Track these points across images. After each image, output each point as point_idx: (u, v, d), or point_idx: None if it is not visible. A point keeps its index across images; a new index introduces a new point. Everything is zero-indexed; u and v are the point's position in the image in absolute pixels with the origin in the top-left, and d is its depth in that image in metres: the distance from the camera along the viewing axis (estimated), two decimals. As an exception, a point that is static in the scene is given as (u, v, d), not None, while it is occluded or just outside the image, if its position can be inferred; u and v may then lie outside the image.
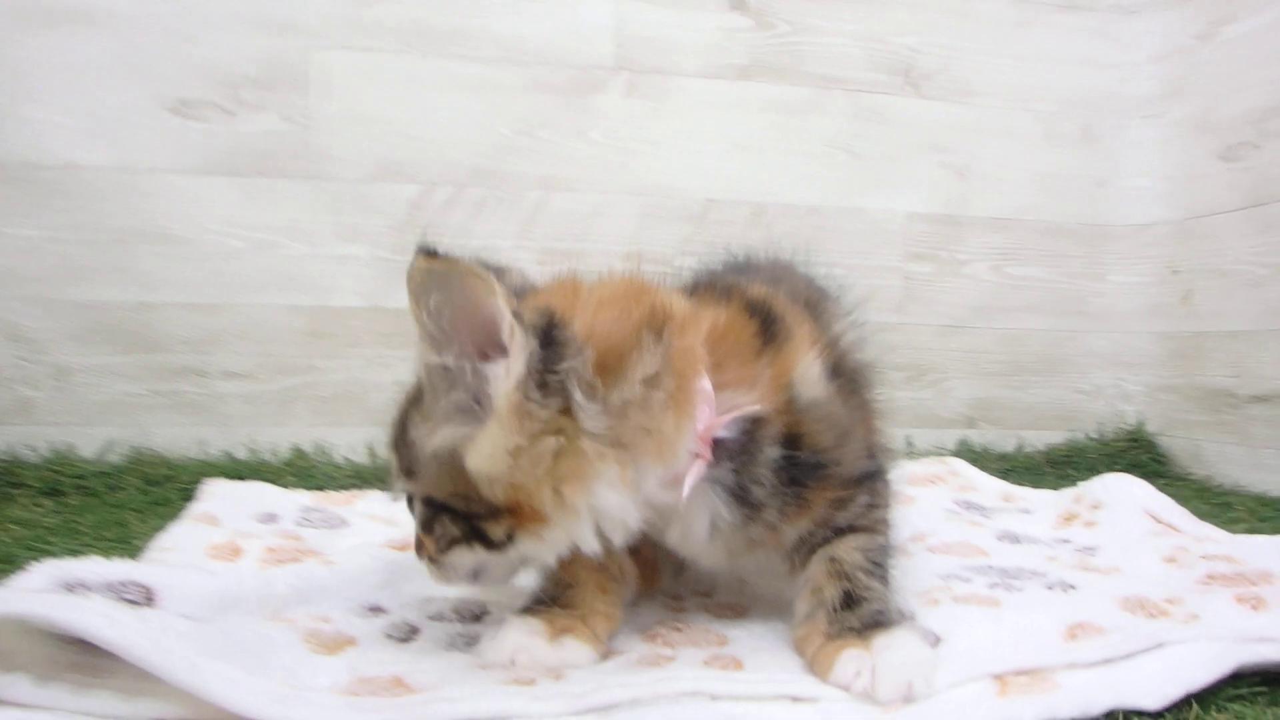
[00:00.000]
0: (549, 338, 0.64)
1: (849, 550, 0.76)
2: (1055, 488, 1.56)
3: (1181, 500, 1.32)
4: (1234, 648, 0.71)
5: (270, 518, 1.14)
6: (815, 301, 0.90)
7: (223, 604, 0.75)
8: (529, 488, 0.65)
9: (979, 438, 1.84)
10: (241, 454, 1.55)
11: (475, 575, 0.72)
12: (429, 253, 0.62)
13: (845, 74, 1.80)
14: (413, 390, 0.73)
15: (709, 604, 0.88)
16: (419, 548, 0.73)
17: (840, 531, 0.77)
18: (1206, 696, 0.68)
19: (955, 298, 1.86)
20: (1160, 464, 1.80)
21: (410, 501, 0.73)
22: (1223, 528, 1.21)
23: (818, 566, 0.75)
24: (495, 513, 0.66)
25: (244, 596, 0.78)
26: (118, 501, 1.31)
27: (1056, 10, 1.89)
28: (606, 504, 0.67)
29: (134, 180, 1.53)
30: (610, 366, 0.67)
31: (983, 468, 1.59)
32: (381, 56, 1.61)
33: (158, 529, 1.13)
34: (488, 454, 0.64)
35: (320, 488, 1.40)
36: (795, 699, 0.65)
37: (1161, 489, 1.36)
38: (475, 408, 0.65)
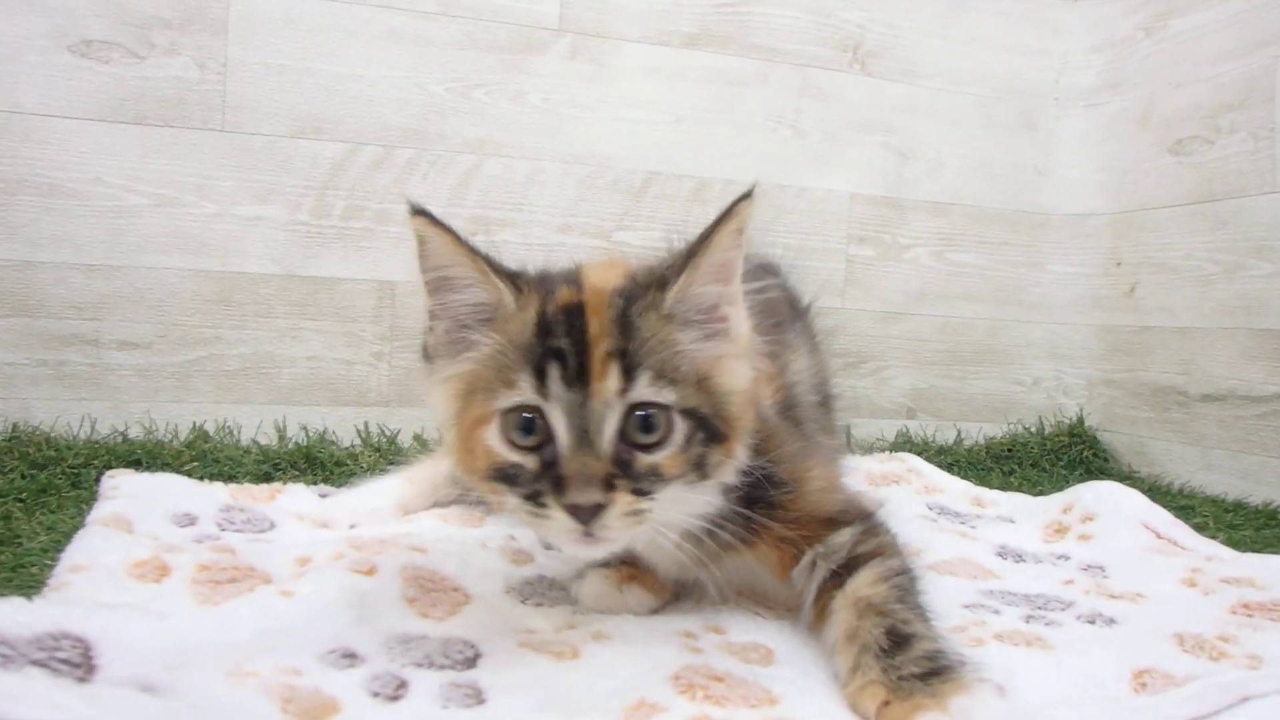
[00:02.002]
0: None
1: (870, 583, 0.71)
2: (1001, 484, 1.53)
3: (1156, 505, 1.28)
4: None
5: (187, 519, 1.02)
6: (785, 323, 1.02)
7: (176, 658, 0.63)
8: (746, 408, 0.74)
9: (918, 429, 1.81)
10: (136, 433, 1.41)
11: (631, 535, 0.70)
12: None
13: (792, 47, 1.75)
14: (641, 291, 0.72)
15: (730, 644, 0.77)
16: (592, 504, 0.65)
17: (848, 567, 0.74)
18: None
19: (896, 283, 1.83)
20: (1104, 460, 1.79)
21: (639, 415, 0.68)
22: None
23: (843, 611, 0.71)
24: (718, 436, 0.71)
25: (200, 645, 0.66)
26: (-2, 488, 1.16)
27: (1001, -5, 1.87)
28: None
29: (24, 125, 1.38)
30: None
31: (924, 459, 1.55)
32: (308, 3, 1.50)
33: (47, 525, 1.01)
34: (739, 371, 0.73)
35: (228, 475, 1.28)
36: None
37: None
38: (720, 327, 0.73)
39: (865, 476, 1.41)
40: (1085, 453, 1.77)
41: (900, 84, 1.81)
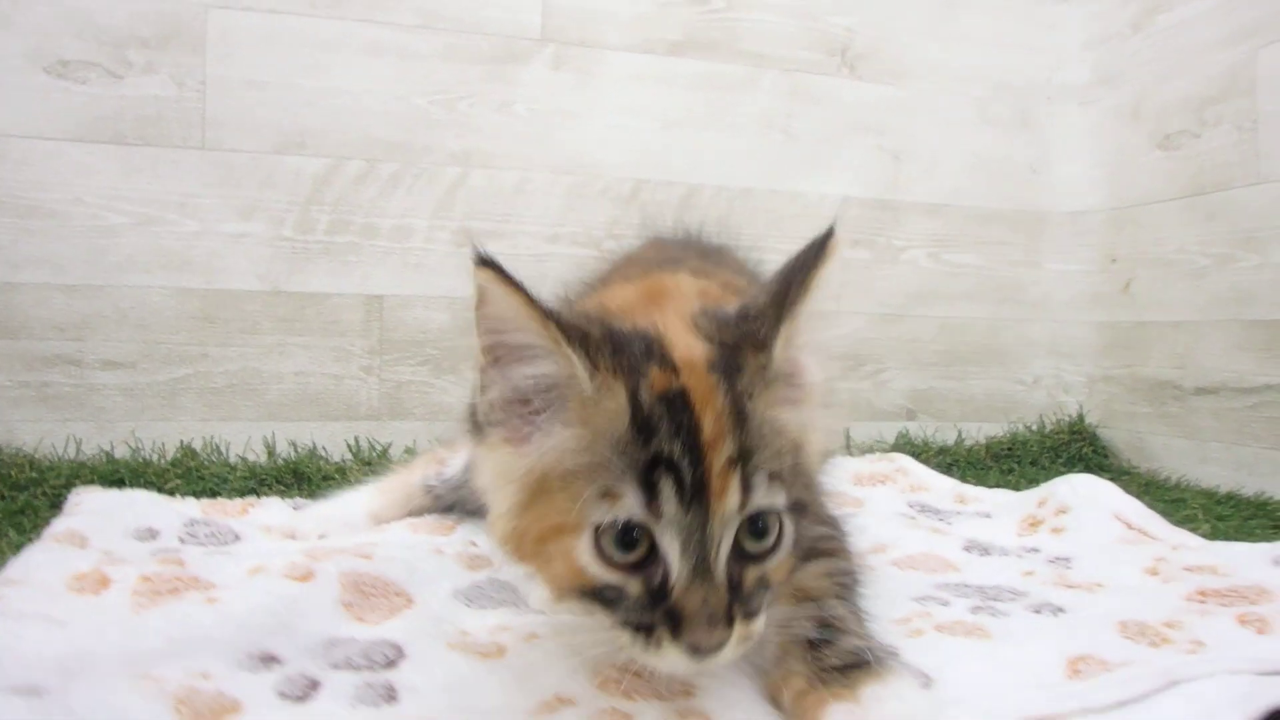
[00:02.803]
0: None
1: (814, 576, 0.69)
2: (999, 482, 1.52)
3: (1130, 495, 1.27)
4: (1260, 685, 0.63)
5: (149, 533, 0.99)
6: None
7: (74, 664, 0.61)
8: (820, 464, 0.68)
9: (918, 430, 1.79)
10: (121, 453, 1.39)
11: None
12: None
13: (780, 52, 1.74)
14: (739, 359, 0.61)
15: None
16: (715, 618, 0.56)
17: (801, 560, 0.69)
18: None
19: (893, 285, 1.81)
20: (1103, 457, 1.77)
21: (752, 524, 0.59)
22: (1181, 527, 1.17)
23: (781, 599, 0.67)
24: (807, 513, 0.64)
25: (101, 653, 0.63)
26: (-25, 510, 1.14)
27: (990, -7, 1.87)
28: None
29: (2, 146, 1.37)
30: None
31: (924, 461, 1.54)
32: (286, 18, 1.49)
33: (17, 545, 0.96)
34: (819, 429, 0.65)
35: (212, 491, 1.26)
36: None
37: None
38: (800, 381, 0.64)
39: (853, 477, 1.40)
40: (1085, 449, 1.75)
41: (892, 85, 1.80)
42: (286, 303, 1.49)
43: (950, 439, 1.78)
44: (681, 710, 0.62)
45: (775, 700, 0.63)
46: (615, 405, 0.58)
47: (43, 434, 1.38)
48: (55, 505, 1.19)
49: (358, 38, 1.52)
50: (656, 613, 0.57)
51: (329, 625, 0.74)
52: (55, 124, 1.39)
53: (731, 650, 0.57)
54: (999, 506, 1.29)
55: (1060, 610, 0.84)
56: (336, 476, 1.36)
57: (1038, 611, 0.84)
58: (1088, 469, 1.68)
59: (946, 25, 1.84)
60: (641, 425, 0.57)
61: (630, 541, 0.57)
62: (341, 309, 1.52)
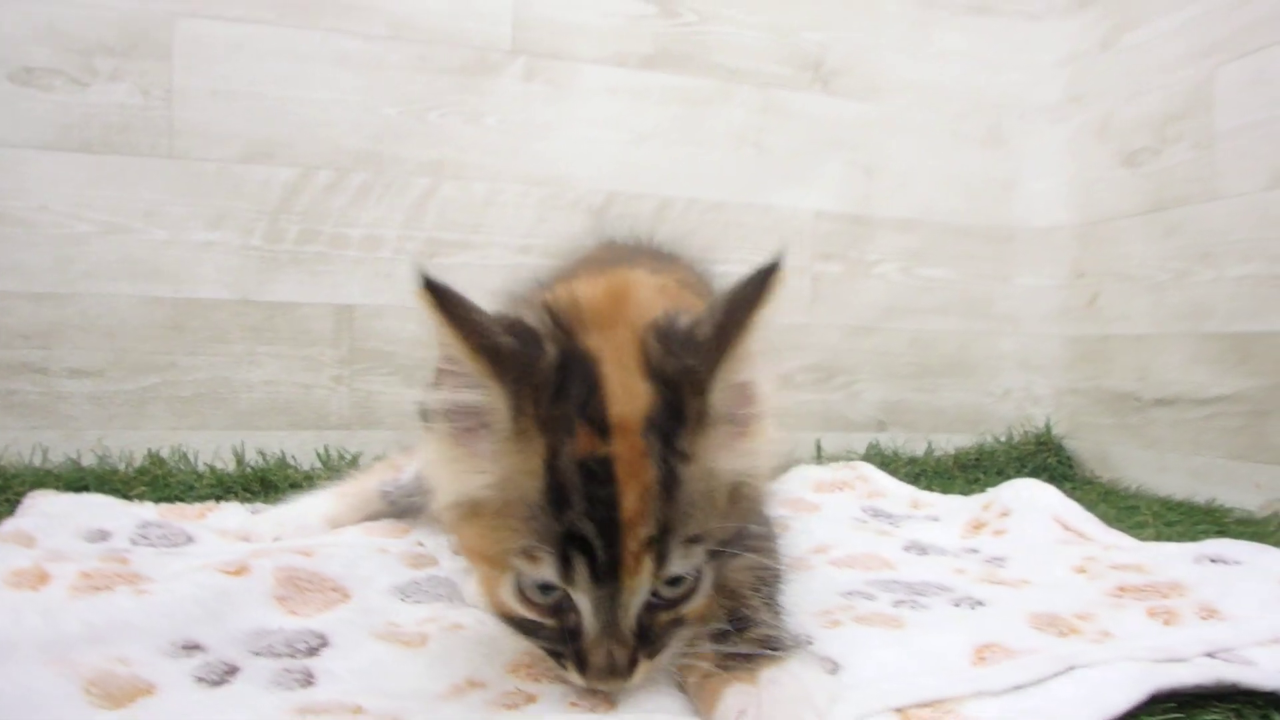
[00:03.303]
0: None
1: (734, 571, 0.69)
2: (964, 491, 1.53)
3: (1089, 504, 1.31)
4: (1150, 670, 0.66)
5: (100, 535, 0.99)
6: None
7: None
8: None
9: (889, 441, 1.80)
10: (89, 461, 1.39)
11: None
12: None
13: (752, 66, 1.75)
14: (676, 407, 0.59)
15: None
16: (617, 670, 0.59)
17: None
18: None
19: (864, 298, 1.82)
20: (1068, 467, 1.79)
21: (667, 581, 0.60)
22: (1130, 532, 1.20)
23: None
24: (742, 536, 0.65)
25: (18, 640, 0.64)
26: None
27: (963, 12, 1.88)
28: None
29: (-34, 154, 1.37)
30: None
31: (893, 471, 1.56)
32: (255, 27, 1.49)
33: None
34: (769, 444, 0.64)
35: (177, 498, 1.26)
36: None
37: (1069, 492, 1.35)
38: (748, 400, 0.63)
39: (815, 484, 1.42)
40: (1050, 460, 1.77)
41: (865, 101, 1.81)
42: (256, 312, 1.49)
43: (920, 450, 1.79)
44: (584, 692, 0.64)
45: (682, 685, 0.64)
46: (532, 464, 0.57)
47: (8, 441, 1.38)
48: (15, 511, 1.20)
49: (327, 47, 1.52)
50: (566, 648, 0.60)
51: (258, 617, 0.76)
52: (20, 132, 1.39)
53: (636, 683, 0.60)
54: (948, 511, 1.32)
55: (980, 604, 0.86)
56: (305, 485, 1.36)
57: (957, 605, 0.86)
58: (1052, 479, 1.70)
59: (920, 43, 1.85)
60: (556, 495, 0.56)
61: (549, 589, 0.59)
62: (311, 318, 1.52)
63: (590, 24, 1.65)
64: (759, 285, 0.59)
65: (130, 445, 1.43)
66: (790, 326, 1.74)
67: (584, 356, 0.60)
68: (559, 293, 0.67)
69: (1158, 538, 1.20)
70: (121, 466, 1.38)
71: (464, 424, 0.61)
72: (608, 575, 0.57)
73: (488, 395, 0.58)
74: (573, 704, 0.62)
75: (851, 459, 1.69)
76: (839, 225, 1.81)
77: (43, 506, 1.05)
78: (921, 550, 1.10)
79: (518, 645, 0.69)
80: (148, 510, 1.11)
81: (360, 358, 1.55)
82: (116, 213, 1.43)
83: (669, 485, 0.57)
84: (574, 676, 0.61)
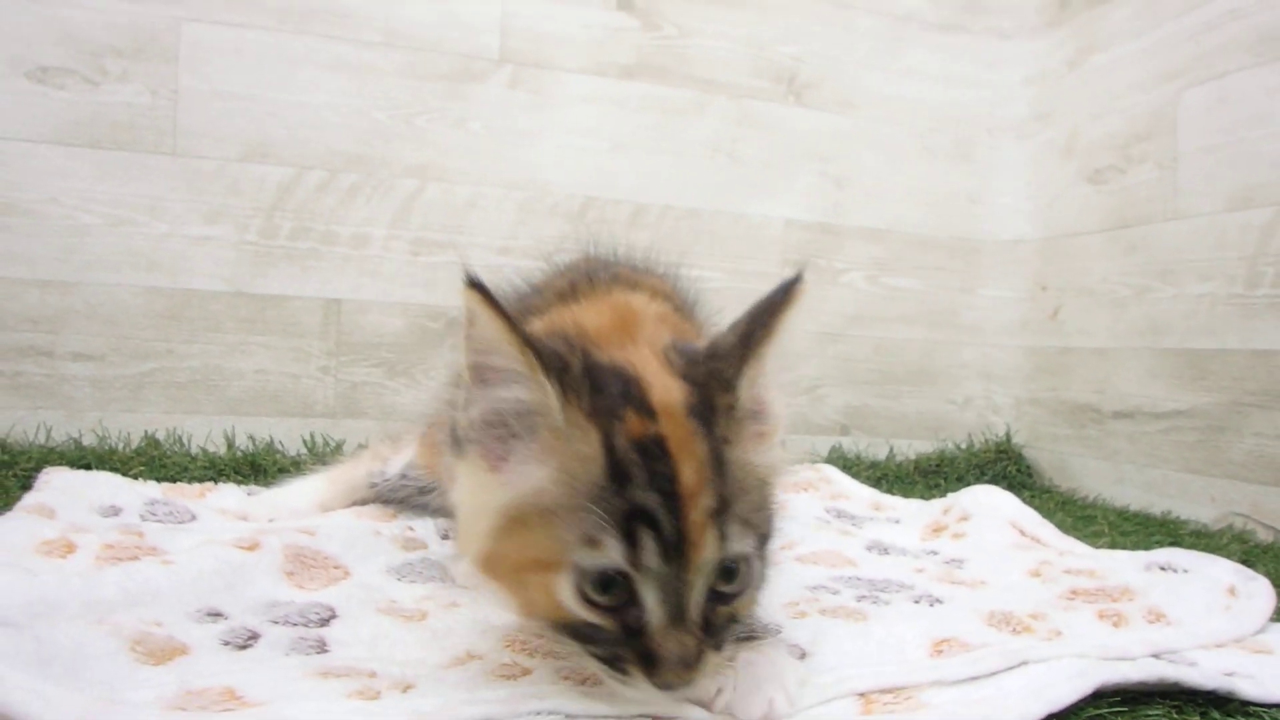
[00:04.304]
0: None
1: None
2: (925, 496, 1.60)
3: (1047, 512, 1.36)
4: (1096, 666, 0.71)
5: (113, 510, 1.08)
6: None
7: (41, 608, 0.69)
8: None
9: (851, 445, 1.87)
10: (89, 440, 1.48)
11: None
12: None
13: (729, 79, 1.82)
14: (711, 402, 0.62)
15: None
16: (689, 661, 0.58)
17: None
18: (1068, 715, 0.68)
19: (831, 306, 1.89)
20: (1027, 475, 1.85)
21: (726, 568, 0.60)
22: (1086, 540, 1.24)
23: None
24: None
25: (65, 600, 0.72)
26: (-51, 490, 1.23)
27: (935, 30, 1.94)
28: None
29: (-18, 148, 1.46)
30: None
31: (855, 475, 1.62)
32: (255, 33, 1.57)
33: None
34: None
35: (173, 478, 1.34)
36: (655, 718, 0.62)
37: (1028, 500, 1.41)
38: (763, 415, 0.65)
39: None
40: (1010, 468, 1.83)
41: (837, 114, 1.88)
42: (248, 304, 1.58)
43: (882, 454, 1.86)
44: (575, 667, 0.70)
45: None
46: (589, 449, 0.58)
47: (14, 420, 1.47)
48: (25, 486, 1.27)
49: (322, 53, 1.60)
50: (629, 650, 0.58)
51: (271, 589, 0.84)
52: (33, 127, 1.48)
53: (704, 676, 0.60)
54: (909, 514, 1.38)
55: (938, 601, 0.91)
56: (292, 470, 1.44)
57: (917, 601, 0.91)
58: (1011, 487, 1.75)
59: (893, 58, 1.92)
60: (617, 473, 0.57)
61: (608, 584, 0.58)
62: (301, 311, 1.61)
63: (574, 35, 1.73)
64: (785, 293, 0.64)
65: (128, 427, 1.52)
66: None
67: (611, 363, 0.62)
68: (563, 320, 0.69)
69: (1113, 546, 1.25)
70: (120, 447, 1.47)
71: (496, 434, 0.61)
72: (674, 552, 0.57)
73: (535, 390, 0.58)
74: (564, 676, 0.68)
75: (815, 462, 1.75)
76: (809, 234, 1.88)
77: (58, 482, 1.14)
78: (883, 550, 1.16)
79: (511, 624, 0.75)
80: (152, 489, 1.20)
81: (346, 350, 1.63)
82: (120, 206, 1.52)
83: (719, 463, 0.59)
84: (637, 681, 0.58)
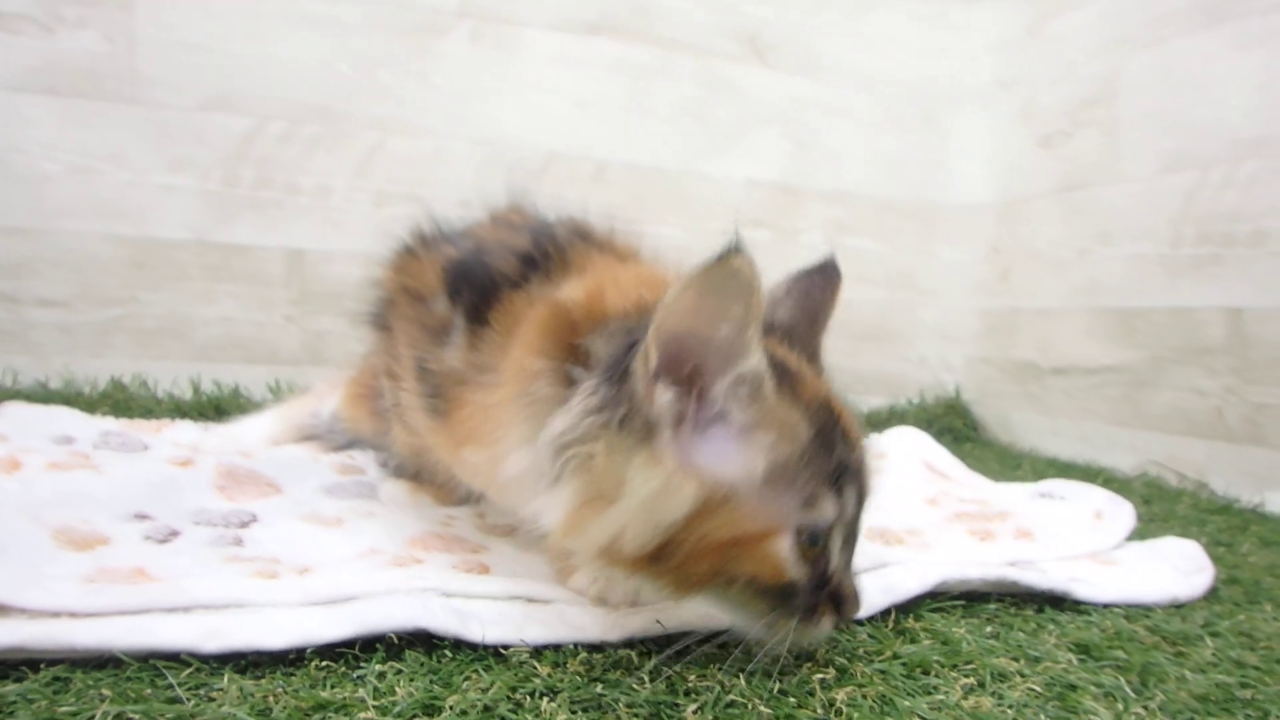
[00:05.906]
0: None
1: None
2: (872, 448, 1.67)
3: (982, 460, 1.44)
4: (940, 567, 0.79)
5: (66, 439, 1.11)
6: None
7: None
8: None
9: (807, 400, 1.92)
10: (56, 384, 1.51)
11: None
12: None
13: (693, 39, 1.83)
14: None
15: (485, 525, 0.92)
16: (859, 599, 0.65)
17: None
18: (909, 608, 0.77)
19: (792, 265, 1.92)
20: (972, 429, 1.92)
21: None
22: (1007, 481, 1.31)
23: None
24: None
25: (1, 501, 0.77)
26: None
27: (900, -7, 1.96)
28: None
29: (-60, 93, 1.47)
30: None
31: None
32: (217, -16, 1.57)
33: None
34: None
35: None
36: (530, 600, 0.69)
37: (969, 451, 1.49)
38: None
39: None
40: (956, 423, 1.90)
41: (801, 77, 1.90)
42: (213, 252, 1.60)
43: (836, 409, 1.92)
44: (467, 562, 0.76)
45: (551, 562, 0.76)
46: (794, 416, 0.60)
47: (-19, 364, 1.50)
48: (-10, 428, 1.33)
49: (285, 4, 1.61)
50: (820, 596, 0.62)
51: (200, 499, 0.89)
52: (-7, 73, 1.49)
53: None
54: None
55: None
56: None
57: None
58: (955, 440, 1.83)
59: (861, 23, 1.93)
60: (820, 433, 0.60)
61: (815, 539, 0.61)
62: (265, 261, 1.63)
63: (537, -10, 1.73)
64: (836, 276, 0.79)
65: (94, 372, 1.55)
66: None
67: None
68: (628, 290, 0.68)
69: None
70: (86, 390, 1.51)
71: (713, 405, 0.59)
72: (861, 500, 0.64)
73: (757, 360, 0.58)
74: (454, 567, 0.74)
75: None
76: (769, 194, 1.91)
77: (15, 413, 1.18)
78: None
79: (419, 527, 0.82)
80: (109, 422, 1.24)
81: (310, 299, 1.66)
82: (83, 155, 1.53)
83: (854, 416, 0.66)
84: (825, 624, 0.62)
